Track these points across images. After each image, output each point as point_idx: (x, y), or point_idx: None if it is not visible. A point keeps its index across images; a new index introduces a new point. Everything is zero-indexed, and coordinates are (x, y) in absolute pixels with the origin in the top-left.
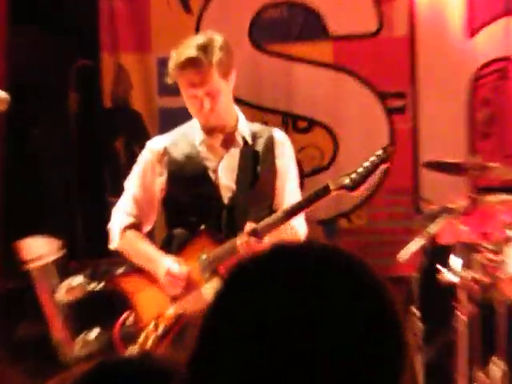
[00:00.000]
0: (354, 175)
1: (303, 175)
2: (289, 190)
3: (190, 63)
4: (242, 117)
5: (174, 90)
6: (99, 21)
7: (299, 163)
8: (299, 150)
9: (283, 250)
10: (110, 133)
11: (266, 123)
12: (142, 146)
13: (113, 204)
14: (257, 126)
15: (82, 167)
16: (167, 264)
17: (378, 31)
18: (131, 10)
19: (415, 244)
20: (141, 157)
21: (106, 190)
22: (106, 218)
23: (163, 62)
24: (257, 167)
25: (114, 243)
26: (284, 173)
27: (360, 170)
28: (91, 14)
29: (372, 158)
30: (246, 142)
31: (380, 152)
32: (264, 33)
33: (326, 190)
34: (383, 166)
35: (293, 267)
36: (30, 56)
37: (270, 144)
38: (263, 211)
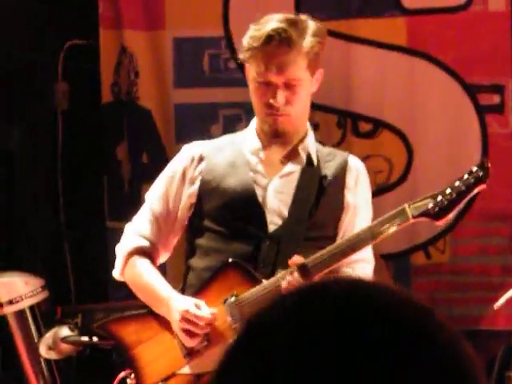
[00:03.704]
0: (439, 198)
1: None
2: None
3: (278, 37)
4: (311, 133)
5: (195, 81)
6: None
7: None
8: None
9: (324, 292)
10: (110, 136)
11: (316, 126)
12: (152, 154)
13: (113, 232)
14: (327, 149)
15: (72, 182)
16: (184, 305)
17: (468, 4)
18: None
19: None
20: (171, 162)
21: (104, 213)
22: (103, 249)
23: (181, 44)
24: (320, 194)
25: (116, 271)
26: (355, 209)
27: (448, 191)
28: None
29: (465, 177)
30: (310, 162)
31: (475, 168)
32: (315, 5)
33: (402, 217)
34: (479, 188)
35: (340, 321)
36: (6, 33)
37: (342, 170)
38: (317, 251)
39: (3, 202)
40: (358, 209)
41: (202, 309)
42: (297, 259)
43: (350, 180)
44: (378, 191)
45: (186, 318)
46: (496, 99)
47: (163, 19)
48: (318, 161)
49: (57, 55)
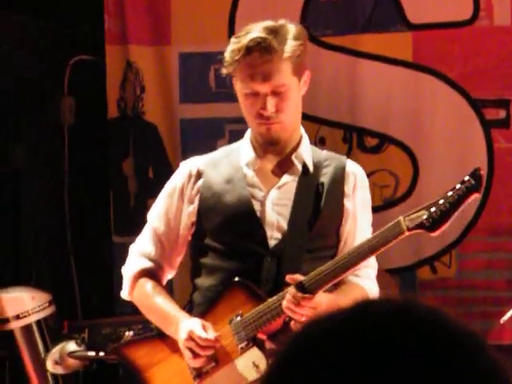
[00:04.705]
0: (433, 209)
1: (372, 210)
2: (359, 241)
3: (257, 47)
4: (306, 139)
5: (201, 96)
6: (104, 4)
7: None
8: (367, 176)
9: (373, 312)
10: (116, 151)
11: (322, 140)
12: (158, 169)
13: (119, 246)
14: (324, 153)
15: (78, 197)
16: (191, 325)
17: (474, 19)
18: None
19: None
20: (170, 180)
21: (110, 229)
22: (110, 264)
23: (187, 59)
24: (319, 204)
25: (124, 292)
26: (354, 216)
27: (441, 201)
28: None
29: (458, 186)
30: (306, 170)
31: (467, 178)
32: (321, 20)
33: (396, 230)
34: (473, 197)
35: (392, 342)
36: (13, 48)
37: (340, 176)
38: (321, 262)
39: (10, 217)
40: (358, 215)
41: (207, 331)
42: (294, 277)
43: (348, 187)
44: (384, 206)
45: (191, 338)
46: (502, 114)
47: (169, 34)
48: (315, 167)
49: (63, 70)
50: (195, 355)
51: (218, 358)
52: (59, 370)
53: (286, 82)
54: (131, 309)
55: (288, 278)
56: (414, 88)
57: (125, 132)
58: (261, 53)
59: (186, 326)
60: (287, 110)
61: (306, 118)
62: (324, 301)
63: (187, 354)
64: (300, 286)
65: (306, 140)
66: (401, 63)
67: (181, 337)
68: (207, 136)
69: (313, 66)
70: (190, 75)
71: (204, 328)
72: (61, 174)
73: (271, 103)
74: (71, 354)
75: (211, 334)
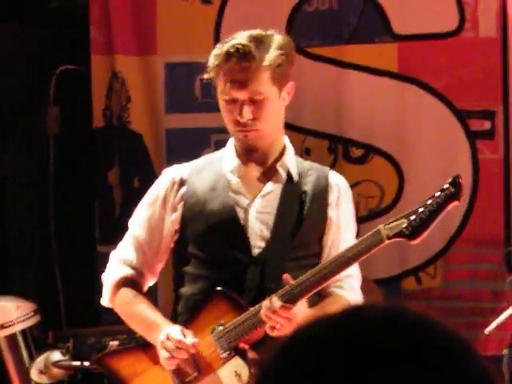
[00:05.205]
0: (413, 217)
1: (356, 220)
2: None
3: (237, 53)
4: (290, 149)
5: (187, 106)
6: (89, 14)
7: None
8: (352, 186)
9: (361, 318)
10: (102, 161)
11: (307, 151)
12: (143, 179)
13: (104, 256)
14: (308, 164)
15: (63, 207)
16: (168, 330)
17: (459, 30)
18: (131, 0)
19: (507, 313)
20: (152, 187)
21: (95, 238)
22: (95, 274)
23: (173, 69)
24: (302, 212)
25: (104, 300)
26: (338, 227)
27: (421, 209)
28: (79, 6)
29: (437, 194)
30: (290, 179)
31: (447, 185)
32: (307, 30)
33: (376, 238)
34: (452, 205)
35: (379, 348)
36: None
37: (323, 186)
38: (304, 271)
39: None
40: (342, 225)
41: (186, 336)
42: (289, 277)
43: (331, 197)
44: (369, 216)
45: (168, 338)
46: (487, 125)
47: (155, 44)
48: (300, 177)
49: (48, 80)
50: (170, 356)
51: (201, 367)
52: (44, 380)
53: (264, 90)
54: (116, 318)
55: (285, 277)
56: (400, 99)
57: (110, 142)
58: (239, 59)
59: (165, 330)
60: (264, 118)
61: (292, 128)
62: (300, 314)
63: (163, 354)
64: (282, 295)
65: (290, 150)
66: (386, 74)
67: (159, 338)
68: (193, 146)
69: (298, 76)
70: (176, 85)
71: (183, 333)
72: (46, 183)
73: (247, 111)
74: (56, 364)
75: (189, 339)
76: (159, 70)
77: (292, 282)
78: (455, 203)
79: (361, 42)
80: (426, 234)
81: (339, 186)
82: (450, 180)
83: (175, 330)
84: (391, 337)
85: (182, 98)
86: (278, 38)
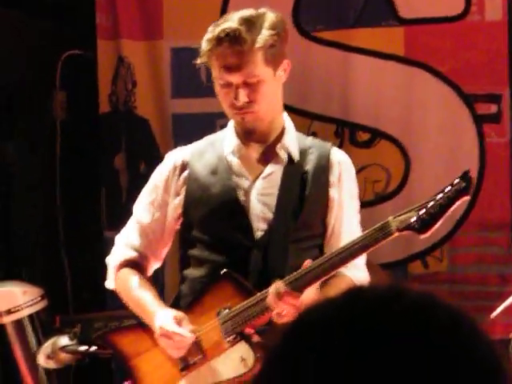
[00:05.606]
0: (422, 211)
1: (363, 204)
2: (345, 230)
3: (227, 38)
4: (291, 127)
5: (193, 91)
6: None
7: (358, 188)
8: (358, 171)
9: (364, 298)
10: (108, 146)
11: (313, 135)
12: (150, 164)
13: (111, 241)
14: (309, 141)
15: (70, 192)
16: (161, 321)
17: (465, 14)
18: None
19: None
20: (154, 172)
21: (102, 223)
22: (102, 259)
23: (179, 54)
24: (304, 193)
25: (109, 282)
26: (340, 206)
27: (431, 203)
28: None
29: (447, 188)
30: (291, 160)
31: (458, 180)
32: (313, 15)
33: (384, 231)
34: (462, 199)
35: (381, 328)
36: (3, 44)
37: (325, 164)
38: (308, 252)
39: (2, 213)
40: (344, 204)
41: (181, 324)
42: (277, 284)
43: (333, 176)
44: (375, 200)
45: (163, 334)
46: (493, 109)
47: (161, 29)
48: (301, 155)
49: (54, 66)
50: (173, 347)
51: (206, 350)
52: (51, 365)
53: (258, 72)
54: (121, 303)
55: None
56: (406, 83)
57: (116, 127)
58: (230, 43)
59: (158, 320)
60: (260, 100)
61: (298, 112)
62: (307, 301)
63: (163, 345)
64: (289, 282)
65: (290, 128)
66: (392, 58)
67: (156, 330)
68: (199, 130)
69: (304, 60)
70: (182, 70)
71: (177, 321)
72: (53, 168)
73: (242, 94)
74: (63, 349)
75: (184, 329)
76: (165, 54)
77: (310, 264)
78: (465, 198)
79: (367, 26)
80: (435, 228)
81: (341, 163)
82: (460, 174)
83: (167, 320)
84: (393, 316)
85: (188, 83)
86: (269, 17)
